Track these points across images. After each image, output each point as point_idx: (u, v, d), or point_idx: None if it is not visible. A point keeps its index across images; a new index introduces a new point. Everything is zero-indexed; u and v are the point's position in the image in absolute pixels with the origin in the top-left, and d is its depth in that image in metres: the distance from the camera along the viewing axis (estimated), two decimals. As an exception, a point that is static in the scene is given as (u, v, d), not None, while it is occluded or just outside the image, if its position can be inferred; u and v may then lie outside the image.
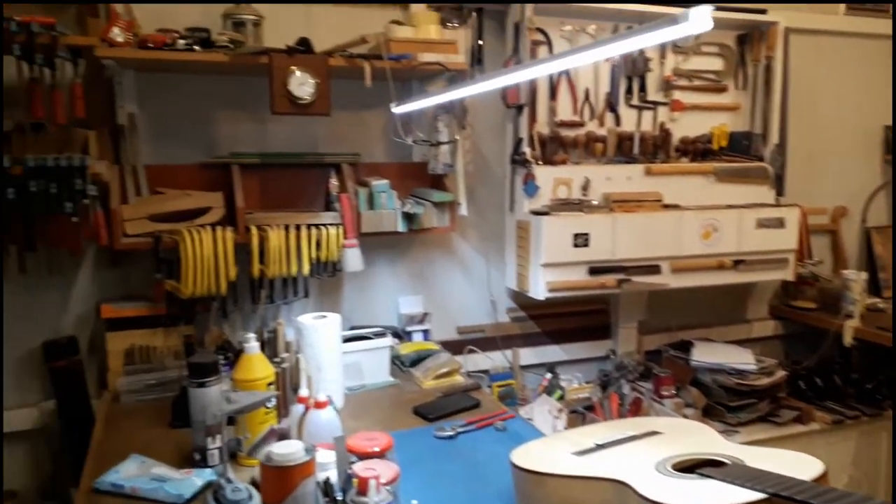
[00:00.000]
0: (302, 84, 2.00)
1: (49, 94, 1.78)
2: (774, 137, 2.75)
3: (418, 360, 2.25)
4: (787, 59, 2.79)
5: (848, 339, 2.71)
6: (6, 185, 1.73)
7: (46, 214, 1.78)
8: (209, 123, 2.23)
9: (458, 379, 2.17)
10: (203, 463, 1.54)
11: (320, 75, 2.02)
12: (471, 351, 2.59)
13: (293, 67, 1.99)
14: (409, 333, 2.47)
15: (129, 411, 1.91)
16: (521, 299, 2.66)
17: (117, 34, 1.82)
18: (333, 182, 2.27)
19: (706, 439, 1.47)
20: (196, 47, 1.94)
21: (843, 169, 3.19)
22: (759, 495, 1.10)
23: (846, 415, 2.61)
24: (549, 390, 2.56)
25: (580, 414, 2.45)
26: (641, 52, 2.61)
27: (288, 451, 1.22)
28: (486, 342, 2.65)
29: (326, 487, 1.23)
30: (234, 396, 1.45)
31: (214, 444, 1.53)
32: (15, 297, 2.07)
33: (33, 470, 2.16)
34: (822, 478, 1.20)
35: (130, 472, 1.50)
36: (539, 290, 2.40)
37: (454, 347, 2.54)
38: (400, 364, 2.25)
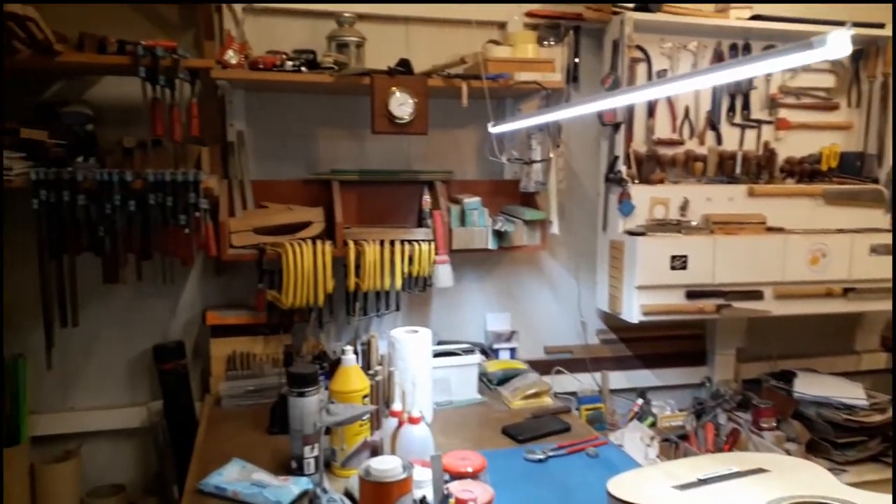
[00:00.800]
0: (402, 104, 2.04)
1: (168, 113, 1.90)
2: (890, 158, 2.58)
3: (506, 378, 2.23)
4: (907, 75, 2.62)
5: (974, 378, 2.49)
6: (128, 198, 1.86)
7: (163, 226, 1.89)
8: (311, 140, 2.32)
9: (547, 401, 2.14)
10: (299, 471, 1.58)
11: (419, 95, 2.06)
12: (558, 372, 2.55)
13: (394, 88, 2.04)
14: (495, 351, 2.46)
15: (229, 415, 1.99)
16: (612, 321, 2.60)
17: (231, 56, 1.93)
18: (426, 199, 2.31)
19: (817, 480, 1.39)
20: (303, 68, 2.02)
21: (970, 192, 2.94)
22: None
23: (970, 460, 2.39)
24: (640, 416, 2.49)
25: (673, 443, 2.36)
26: (745, 68, 2.51)
27: (386, 466, 1.23)
28: (574, 363, 2.60)
29: (423, 505, 1.23)
30: (333, 408, 1.48)
31: (311, 454, 1.57)
32: (131, 303, 2.21)
33: (140, 466, 2.28)
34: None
35: (232, 476, 1.56)
36: (632, 313, 2.33)
37: (541, 367, 2.51)
38: (487, 382, 2.24)
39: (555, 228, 2.38)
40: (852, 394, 2.41)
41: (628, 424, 2.40)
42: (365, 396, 1.67)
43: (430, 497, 1.26)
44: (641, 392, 2.59)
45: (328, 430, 1.62)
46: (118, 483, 2.24)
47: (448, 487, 1.25)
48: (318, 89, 2.20)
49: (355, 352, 1.99)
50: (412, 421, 1.55)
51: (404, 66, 2.12)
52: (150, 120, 1.89)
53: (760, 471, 1.42)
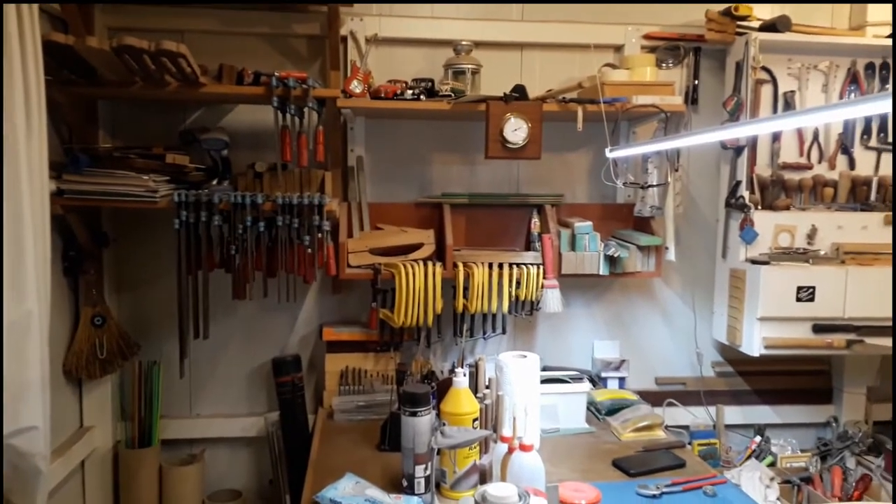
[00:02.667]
0: (516, 129, 2.06)
1: (296, 139, 2.01)
2: None
3: (615, 409, 2.18)
4: None
5: None
6: (258, 219, 1.98)
7: (289, 245, 2.00)
8: (424, 165, 2.38)
9: (660, 434, 2.07)
10: (410, 490, 1.61)
11: (533, 120, 2.07)
12: (670, 404, 2.46)
13: (508, 114, 2.06)
14: (603, 379, 2.41)
15: (341, 429, 2.06)
16: (730, 353, 2.48)
17: (356, 86, 2.02)
18: (535, 222, 2.30)
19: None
20: (422, 97, 2.08)
21: None
22: None
23: None
24: (757, 455, 2.35)
25: (795, 485, 2.21)
26: (884, 88, 2.35)
27: (503, 493, 1.24)
28: (687, 396, 2.50)
29: (538, 535, 1.22)
30: (447, 430, 1.50)
31: (423, 473, 1.60)
32: (254, 318, 2.35)
33: (255, 473, 2.41)
34: None
35: (347, 491, 1.61)
36: (754, 346, 2.22)
37: (651, 398, 2.42)
38: (595, 411, 2.20)
39: (671, 255, 2.31)
40: None
41: (745, 463, 2.27)
42: (475, 420, 1.68)
43: (544, 528, 1.25)
44: (759, 429, 2.45)
45: (439, 451, 1.64)
46: (236, 489, 2.36)
47: (563, 519, 1.23)
48: (435, 116, 2.26)
49: (464, 374, 2.02)
50: (524, 448, 1.54)
51: (519, 91, 2.13)
52: (279, 146, 2.01)
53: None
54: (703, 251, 2.48)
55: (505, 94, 2.10)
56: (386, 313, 2.16)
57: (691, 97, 2.42)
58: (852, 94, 2.36)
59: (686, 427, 2.45)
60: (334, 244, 2.08)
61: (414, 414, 1.62)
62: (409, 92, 2.08)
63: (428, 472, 1.59)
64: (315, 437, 2.02)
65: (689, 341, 2.51)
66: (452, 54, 2.24)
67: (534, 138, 2.08)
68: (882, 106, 0.96)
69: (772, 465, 2.32)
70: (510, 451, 1.59)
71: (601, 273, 2.25)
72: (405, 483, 1.63)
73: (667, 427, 2.39)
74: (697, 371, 2.51)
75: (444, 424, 1.64)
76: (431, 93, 2.12)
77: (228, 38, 2.23)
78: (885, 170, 2.39)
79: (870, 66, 2.37)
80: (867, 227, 2.29)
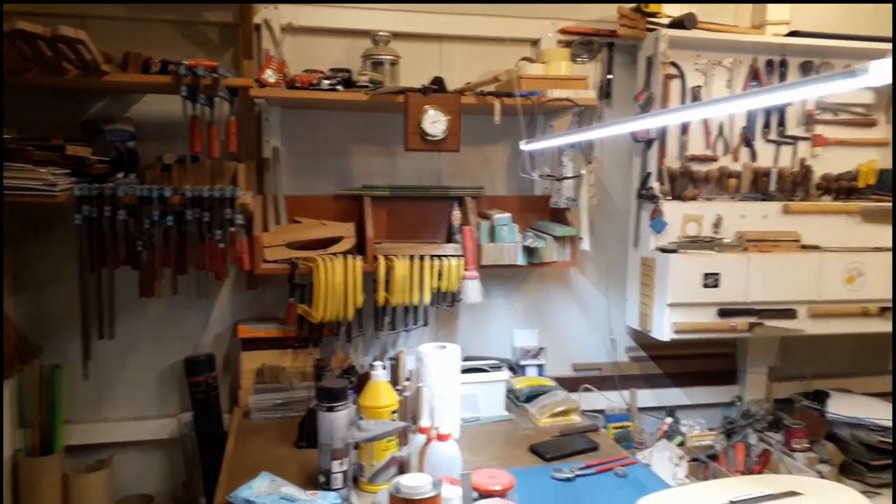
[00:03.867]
0: (435, 122, 2.06)
1: (207, 130, 1.95)
2: (931, 175, 2.52)
3: (533, 395, 2.23)
4: (949, 91, 2.56)
5: None
6: (166, 213, 1.90)
7: (199, 240, 1.94)
8: (344, 157, 2.35)
9: (575, 419, 2.13)
10: (327, 485, 1.60)
11: (452, 113, 2.08)
12: (586, 389, 2.53)
13: (427, 106, 2.06)
14: (522, 367, 2.46)
15: (257, 428, 2.02)
16: (642, 339, 2.58)
17: (270, 75, 1.97)
18: (456, 214, 2.32)
19: (854, 508, 1.36)
20: (339, 87, 2.05)
21: None
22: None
23: None
24: (668, 435, 2.46)
25: (702, 463, 2.33)
26: (781, 82, 2.48)
27: (416, 483, 1.24)
28: (602, 381, 2.58)
29: (451, 524, 1.24)
30: (364, 424, 1.50)
31: (340, 468, 1.59)
32: (164, 316, 2.26)
33: (168, 477, 2.32)
34: None
35: (262, 490, 1.58)
36: (663, 331, 2.31)
37: (569, 384, 2.49)
38: (514, 398, 2.24)
39: (585, 245, 2.38)
40: (885, 415, 2.36)
41: (657, 444, 2.37)
42: (394, 412, 1.69)
43: (458, 516, 1.27)
44: (670, 410, 2.56)
45: (356, 445, 1.63)
46: (147, 493, 2.28)
47: (477, 507, 1.25)
48: (353, 107, 2.23)
49: (383, 367, 2.02)
50: (441, 438, 1.55)
51: (438, 84, 2.14)
52: (189, 137, 1.94)
53: (793, 494, 1.40)
54: (617, 241, 2.56)
55: (423, 85, 2.10)
56: (304, 308, 2.12)
57: (605, 91, 2.49)
58: (753, 88, 2.48)
59: (602, 411, 2.54)
60: (248, 238, 2.03)
61: (331, 409, 1.60)
62: (326, 82, 2.05)
63: (345, 467, 1.58)
64: (230, 436, 1.97)
65: (605, 328, 2.60)
66: (371, 45, 2.22)
67: (453, 131, 2.09)
68: (773, 98, 1.01)
69: (681, 444, 2.43)
70: (428, 441, 1.60)
71: (520, 263, 2.29)
72: (322, 479, 1.61)
73: (583, 412, 2.47)
74: (612, 357, 2.60)
75: (361, 418, 1.64)
76: (349, 83, 2.10)
77: (135, 26, 2.13)
78: (784, 161, 2.53)
79: (769, 63, 2.50)
80: (767, 216, 2.42)
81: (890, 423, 2.33)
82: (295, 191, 2.29)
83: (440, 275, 2.20)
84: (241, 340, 2.21)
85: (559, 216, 2.41)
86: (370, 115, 2.34)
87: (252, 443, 1.92)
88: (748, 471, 2.33)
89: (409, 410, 1.83)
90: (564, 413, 2.13)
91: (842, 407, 2.45)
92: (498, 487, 1.41)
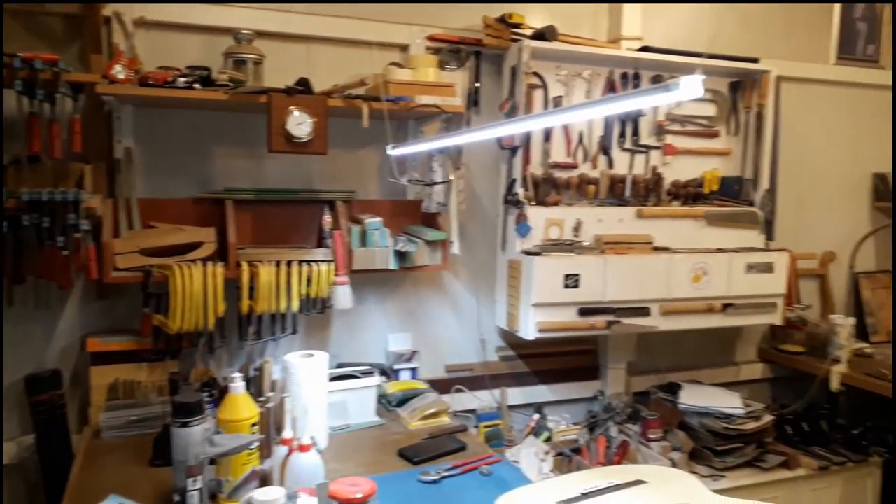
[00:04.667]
0: (300, 123, 2.02)
1: (47, 128, 1.80)
2: (765, 183, 2.79)
3: (405, 399, 2.24)
4: (779, 107, 2.85)
5: (835, 385, 2.71)
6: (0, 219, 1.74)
7: (38, 248, 1.78)
8: (204, 158, 2.25)
9: (446, 420, 2.16)
10: (183, 504, 1.52)
11: (318, 115, 2.05)
12: (458, 390, 2.58)
13: (292, 107, 2.02)
14: (396, 371, 2.46)
15: (109, 448, 1.89)
16: (511, 339, 2.66)
17: (119, 71, 1.85)
18: (327, 219, 2.29)
19: (690, 490, 1.47)
20: (196, 85, 1.96)
21: (832, 215, 3.23)
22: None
23: (832, 461, 2.61)
24: (536, 431, 2.55)
25: (567, 457, 2.44)
26: (634, 97, 2.65)
27: (269, 497, 1.21)
28: (475, 381, 2.64)
29: (307, 537, 1.21)
30: (217, 439, 1.44)
31: (195, 486, 1.51)
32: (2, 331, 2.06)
33: (10, 504, 2.12)
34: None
35: (109, 514, 1.48)
36: (529, 330, 2.40)
37: (442, 386, 2.53)
38: (386, 403, 2.24)
39: (455, 249, 2.42)
40: (730, 403, 2.58)
41: (525, 440, 2.46)
42: (254, 425, 1.63)
43: (314, 528, 1.25)
44: (538, 407, 2.66)
45: (212, 461, 1.57)
46: (-15, 524, 2.07)
47: (334, 517, 1.24)
48: (213, 106, 2.14)
49: (248, 378, 1.95)
50: (302, 449, 1.52)
51: (303, 85, 2.10)
52: (26, 135, 1.78)
53: (638, 482, 1.49)
54: (486, 245, 2.63)
55: (288, 86, 2.05)
56: (160, 319, 2.01)
57: (473, 99, 2.55)
58: (610, 102, 2.63)
59: (474, 411, 2.59)
60: (96, 245, 1.90)
61: (185, 424, 1.52)
62: (182, 80, 1.95)
63: (200, 485, 1.51)
64: (77, 458, 1.83)
65: (475, 329, 2.66)
66: (233, 43, 2.14)
67: (319, 133, 2.06)
68: (600, 110, 1.07)
69: (548, 440, 2.53)
70: (289, 453, 1.56)
71: (392, 268, 2.29)
72: (177, 498, 1.52)
73: (456, 413, 2.51)
74: (483, 357, 2.66)
75: (219, 433, 1.58)
76: (207, 82, 2.01)
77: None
78: (638, 169, 2.70)
79: (624, 76, 2.66)
80: (623, 220, 2.58)
81: (733, 411, 2.55)
82: (150, 194, 2.16)
83: (309, 281, 2.16)
84: (90, 354, 2.05)
85: (431, 221, 2.43)
86: (234, 115, 2.26)
87: (102, 464, 1.79)
88: (609, 462, 2.46)
89: (273, 422, 1.78)
90: (435, 415, 2.15)
91: (691, 397, 2.64)
92: (359, 495, 1.40)
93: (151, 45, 2.12)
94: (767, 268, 2.68)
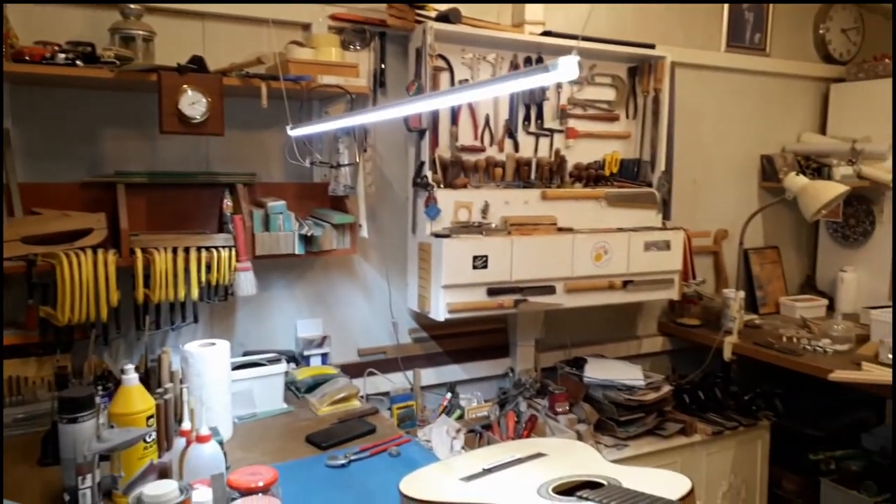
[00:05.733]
0: (193, 103, 1.94)
1: None
2: (661, 164, 2.91)
3: (315, 385, 2.21)
4: (674, 91, 2.97)
5: (728, 355, 2.89)
6: None
7: None
8: (93, 140, 2.12)
9: (356, 404, 2.15)
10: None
11: (213, 95, 1.97)
12: (371, 373, 2.57)
13: (185, 86, 1.93)
14: (306, 358, 2.43)
15: (-6, 449, 1.77)
16: (423, 320, 2.68)
17: (-14, 45, 1.71)
18: (227, 203, 2.21)
19: (588, 459, 1.53)
20: (78, 62, 1.84)
21: (724, 195, 3.42)
22: (631, 517, 1.16)
23: (726, 426, 2.78)
24: (448, 410, 2.59)
25: (477, 433, 2.49)
26: (538, 80, 2.70)
27: (161, 491, 1.17)
28: (388, 364, 2.64)
29: (203, 528, 1.18)
30: (105, 434, 1.37)
31: (85, 484, 1.44)
32: None
33: None
34: (689, 495, 1.27)
35: (-10, 518, 1.39)
36: (439, 311, 2.42)
37: (355, 370, 2.52)
38: (296, 390, 2.21)
39: (364, 232, 2.40)
40: (632, 376, 2.70)
41: (437, 420, 2.49)
42: (150, 417, 1.57)
43: (211, 518, 1.22)
44: (451, 386, 2.70)
45: (107, 457, 1.50)
46: None
47: (232, 506, 1.21)
48: (100, 85, 2.02)
49: (145, 369, 1.87)
50: (200, 439, 1.48)
51: (197, 63, 2.01)
52: None
53: (539, 455, 1.54)
54: (397, 228, 2.62)
55: (179, 64, 1.96)
56: (47, 310, 1.89)
57: (379, 80, 2.52)
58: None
59: (387, 393, 2.60)
60: (-31, 234, 1.76)
61: (73, 420, 1.46)
62: (62, 56, 1.83)
63: (90, 483, 1.44)
64: (-44, 459, 1.70)
65: (387, 312, 2.65)
66: (120, 18, 2.02)
67: (215, 113, 1.98)
68: (489, 91, 1.08)
69: (460, 417, 2.58)
70: (188, 444, 1.51)
71: (297, 252, 2.25)
72: (67, 497, 1.45)
73: (369, 396, 2.51)
74: (395, 339, 2.67)
75: (112, 427, 1.51)
76: (91, 59, 1.89)
77: None
78: (542, 152, 2.76)
79: (528, 60, 2.70)
80: (528, 202, 2.63)
81: (634, 382, 2.67)
82: (33, 178, 2.02)
83: (209, 267, 2.09)
84: (-32, 352, 1.91)
85: (338, 204, 2.40)
86: (125, 95, 2.14)
87: (-16, 467, 1.67)
88: (518, 436, 2.52)
89: (172, 414, 1.71)
90: (345, 399, 2.14)
91: (596, 371, 2.75)
92: (260, 483, 1.38)
93: (27, 19, 1.97)
94: (664, 246, 2.81)
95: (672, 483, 1.30)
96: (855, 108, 3.46)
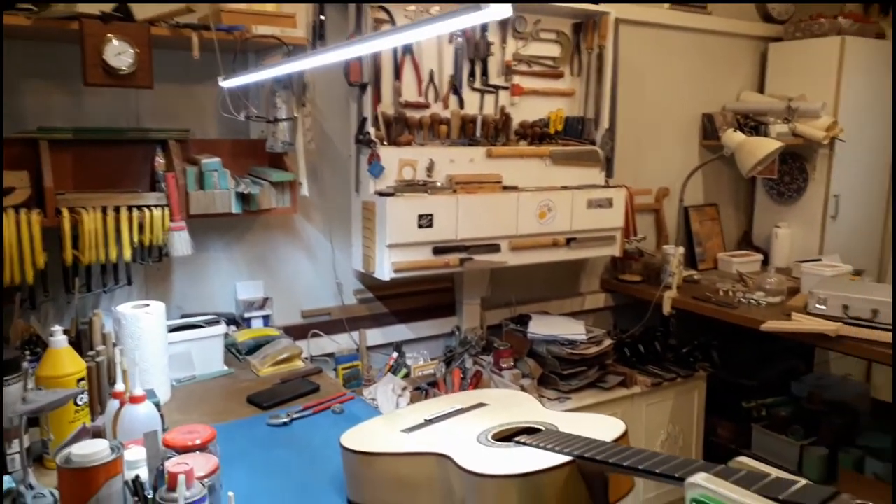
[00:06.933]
0: (119, 54, 1.84)
1: None
2: (605, 122, 2.93)
3: (256, 347, 2.18)
4: (618, 49, 2.98)
5: (667, 309, 2.97)
6: None
7: None
8: (13, 94, 2.00)
9: (299, 364, 2.13)
10: (2, 470, 1.39)
11: (141, 45, 1.88)
12: (315, 335, 2.55)
13: (109, 35, 1.83)
14: (247, 320, 2.38)
15: (-86, 418, 1.68)
16: (368, 280, 2.66)
17: None
18: (159, 160, 2.13)
19: (528, 408, 1.55)
20: (-14, 6, 1.72)
21: (666, 153, 3.48)
22: (568, 458, 1.18)
23: (664, 377, 2.88)
24: (394, 369, 2.59)
25: (423, 391, 2.50)
26: (484, 36, 2.67)
27: (90, 451, 1.13)
28: (333, 325, 2.62)
29: (136, 486, 1.15)
30: (31, 396, 1.32)
31: (13, 449, 1.39)
32: None
33: None
34: (622, 437, 1.31)
35: None
36: (385, 271, 2.40)
37: (299, 332, 2.49)
38: (237, 352, 2.17)
39: (305, 190, 2.35)
40: (575, 331, 2.75)
41: (382, 378, 2.49)
42: (81, 380, 1.52)
43: (145, 476, 1.19)
44: (398, 346, 2.70)
45: (36, 422, 1.45)
46: None
47: (165, 463, 1.18)
48: (17, 34, 1.89)
49: (76, 332, 1.81)
50: (134, 400, 1.44)
51: (123, 11, 1.90)
52: None
53: (480, 405, 1.56)
54: (340, 186, 2.58)
55: (103, 12, 1.85)
56: (-34, 273, 1.80)
57: (319, 33, 2.44)
58: (459, 38, 2.62)
59: (332, 354, 2.58)
60: None
61: (-4, 385, 1.39)
62: (-30, 1, 1.70)
63: (17, 448, 1.38)
64: None
65: (332, 273, 2.62)
66: (35, -39, 1.89)
67: (143, 65, 1.89)
68: (416, 34, 1.06)
69: (406, 376, 2.59)
70: (121, 405, 1.47)
71: (234, 211, 2.18)
72: (-6, 464, 1.40)
73: (313, 357, 2.49)
74: (340, 300, 2.64)
75: (40, 390, 1.45)
76: (6, 4, 1.76)
77: None
78: (488, 109, 2.73)
79: (472, 15, 2.65)
80: (473, 160, 2.62)
81: (576, 337, 2.72)
82: (-56, 134, 1.90)
83: (142, 227, 2.01)
84: None
85: (278, 161, 2.34)
86: (46, 45, 2.01)
87: None
88: (462, 391, 2.55)
89: (106, 377, 1.66)
90: (287, 360, 2.11)
91: (540, 327, 2.79)
92: (197, 441, 1.35)
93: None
94: (607, 203, 2.85)
95: (607, 426, 1.33)
96: (792, 67, 3.55)
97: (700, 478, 0.95)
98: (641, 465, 1.09)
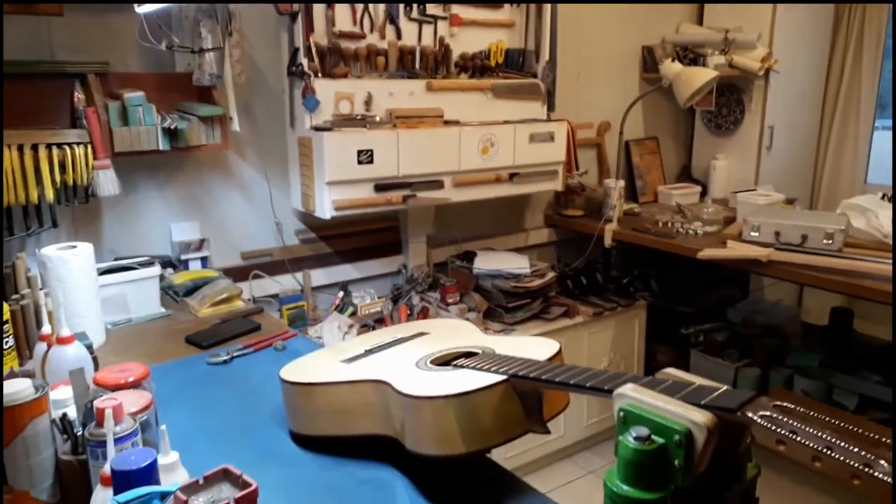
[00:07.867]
0: (20, -24, 1.70)
1: None
2: (546, 55, 2.90)
3: (195, 288, 2.12)
4: (558, -21, 2.92)
5: (608, 241, 3.02)
6: None
7: None
8: None
9: (239, 304, 2.09)
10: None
11: (44, -33, 1.74)
12: (256, 276, 2.51)
13: (7, -45, 1.68)
14: (184, 262, 2.32)
15: None
16: (310, 220, 2.61)
17: None
18: (78, 95, 2.01)
19: (468, 335, 1.57)
20: None
21: (607, 86, 3.48)
22: (502, 377, 1.20)
23: (605, 307, 2.95)
24: (340, 308, 2.58)
25: (370, 327, 2.51)
26: (418, -38, 2.57)
27: (11, 389, 1.09)
28: (275, 266, 2.58)
29: (64, 423, 1.12)
30: (-55, 340, 1.26)
31: (-67, 396, 1.33)
32: None
33: None
34: (556, 355, 1.33)
35: None
36: (325, 209, 2.36)
37: (239, 273, 2.44)
38: (174, 294, 2.11)
39: (235, 126, 2.26)
40: (519, 265, 2.78)
41: (328, 317, 2.48)
42: (5, 324, 1.45)
43: (73, 414, 1.16)
44: (343, 286, 2.68)
45: (-43, 368, 1.39)
46: None
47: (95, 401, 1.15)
48: None
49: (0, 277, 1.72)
50: (61, 341, 1.39)
51: (23, -70, 1.75)
52: None
53: (421, 334, 1.56)
54: (274, 122, 2.49)
55: (0, -69, 1.70)
56: None
57: (244, -42, 2.31)
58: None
59: (276, 295, 2.55)
60: None
61: None
62: None
63: (-63, 394, 1.33)
64: None
65: (270, 213, 2.56)
66: None
67: (50, -9, 1.75)
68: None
69: (353, 314, 2.58)
70: (49, 347, 1.42)
71: (161, 148, 2.09)
72: (-87, 414, 1.34)
73: (255, 298, 2.46)
74: (280, 241, 2.59)
75: (-42, 336, 1.38)
76: None
77: None
78: (426, 40, 2.66)
79: (407, -59, 2.55)
80: (413, 94, 2.56)
81: (520, 271, 2.76)
82: None
83: (63, 166, 1.91)
84: None
85: (206, 96, 2.24)
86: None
87: None
88: (410, 328, 2.56)
89: (32, 320, 1.60)
90: (227, 300, 2.07)
91: (485, 263, 2.81)
92: (130, 379, 1.32)
93: None
94: (549, 137, 2.85)
95: (542, 346, 1.36)
96: (729, -1, 3.56)
97: (627, 388, 0.98)
98: (572, 380, 1.12)
